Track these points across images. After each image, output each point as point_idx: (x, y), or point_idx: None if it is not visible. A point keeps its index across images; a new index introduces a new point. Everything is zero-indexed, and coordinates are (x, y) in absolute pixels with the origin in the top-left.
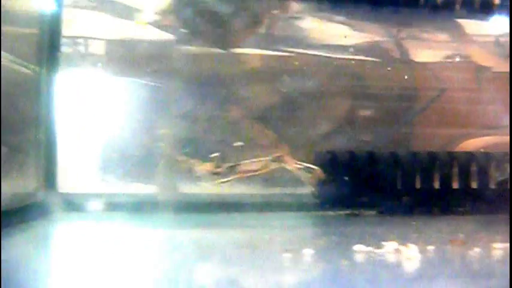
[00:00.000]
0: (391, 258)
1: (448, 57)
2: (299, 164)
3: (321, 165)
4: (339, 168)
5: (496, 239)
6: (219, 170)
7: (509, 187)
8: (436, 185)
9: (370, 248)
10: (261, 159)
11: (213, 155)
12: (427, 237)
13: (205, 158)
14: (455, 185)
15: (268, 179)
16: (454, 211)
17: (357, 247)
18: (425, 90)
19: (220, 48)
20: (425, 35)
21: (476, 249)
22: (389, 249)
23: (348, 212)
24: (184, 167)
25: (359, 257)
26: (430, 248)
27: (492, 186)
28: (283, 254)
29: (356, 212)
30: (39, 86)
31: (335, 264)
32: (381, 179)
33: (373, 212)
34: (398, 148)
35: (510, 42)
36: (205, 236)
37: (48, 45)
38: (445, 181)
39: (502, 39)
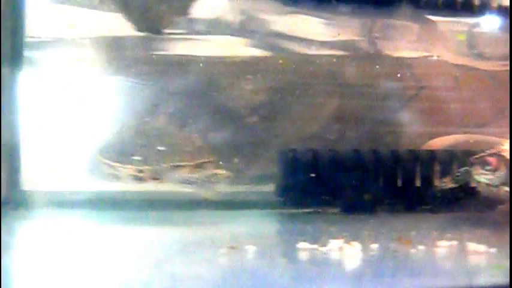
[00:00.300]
0: (332, 256)
1: (420, 54)
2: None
3: (283, 164)
4: (301, 166)
5: (446, 237)
6: (141, 174)
7: (509, 187)
8: (399, 183)
9: (314, 246)
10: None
11: (135, 158)
12: (378, 235)
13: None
14: (418, 183)
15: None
16: (417, 209)
17: (301, 245)
18: (396, 87)
19: (152, 32)
20: (399, 33)
21: (421, 248)
22: (333, 247)
23: (310, 210)
24: (107, 169)
25: (300, 255)
26: (374, 246)
27: (454, 184)
28: (221, 250)
29: (319, 210)
30: (2, 85)
31: (270, 261)
32: (344, 177)
33: (335, 210)
34: (364, 146)
35: (510, 42)
36: (156, 233)
37: (10, 44)
38: (408, 179)
39: (475, 38)
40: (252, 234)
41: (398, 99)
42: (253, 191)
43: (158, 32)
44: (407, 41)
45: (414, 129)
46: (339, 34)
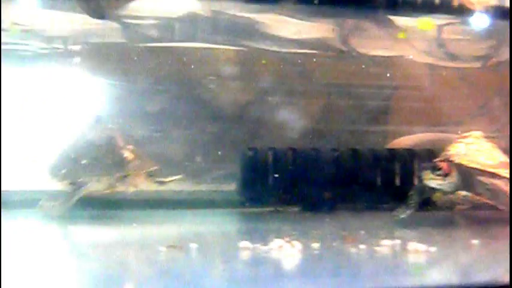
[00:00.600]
0: (271, 254)
1: (389, 54)
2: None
3: (243, 162)
4: (261, 165)
5: (394, 236)
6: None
7: (509, 188)
8: (360, 182)
9: (256, 245)
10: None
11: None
12: (325, 234)
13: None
14: (379, 182)
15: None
16: (377, 208)
17: (243, 243)
18: (364, 86)
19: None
20: (369, 32)
21: (362, 247)
22: (274, 246)
23: (271, 208)
24: None
25: (240, 253)
26: (316, 245)
27: (408, 210)
28: (160, 247)
29: (280, 208)
30: None
31: (204, 259)
32: (304, 175)
33: (296, 209)
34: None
35: (510, 42)
36: (102, 232)
37: None
38: (369, 178)
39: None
40: (200, 232)
41: (365, 98)
42: (215, 190)
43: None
44: (377, 41)
45: (380, 128)
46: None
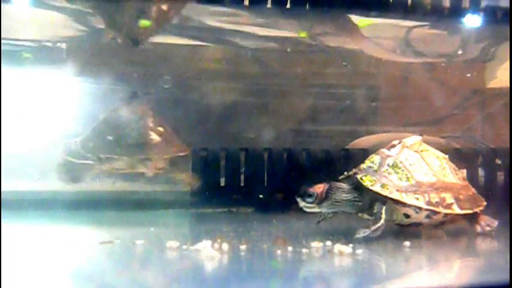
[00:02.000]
0: (191, 255)
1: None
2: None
3: (195, 163)
4: (213, 165)
5: (326, 238)
6: None
7: (510, 189)
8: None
9: (183, 246)
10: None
11: None
12: (261, 236)
13: None
14: None
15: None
16: None
17: (170, 243)
18: (328, 85)
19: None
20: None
21: (289, 248)
22: (199, 247)
23: (225, 209)
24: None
25: (163, 253)
26: (243, 246)
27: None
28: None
29: (233, 209)
30: None
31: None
32: (257, 176)
33: (250, 210)
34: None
35: (510, 41)
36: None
37: None
38: (323, 179)
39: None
40: (140, 233)
41: (330, 97)
42: (170, 190)
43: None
44: (343, 40)
45: (343, 128)
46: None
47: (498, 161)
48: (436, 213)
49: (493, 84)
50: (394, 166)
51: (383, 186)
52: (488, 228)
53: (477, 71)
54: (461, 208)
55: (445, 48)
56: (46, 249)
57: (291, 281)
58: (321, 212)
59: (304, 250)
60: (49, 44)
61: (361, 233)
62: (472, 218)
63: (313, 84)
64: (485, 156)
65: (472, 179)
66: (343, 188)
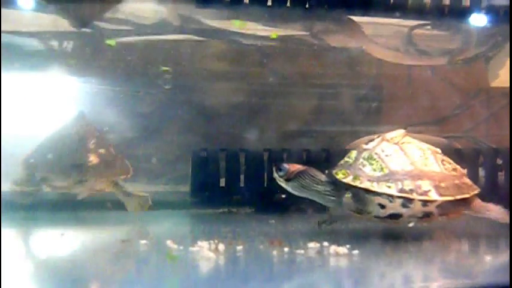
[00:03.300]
0: (193, 256)
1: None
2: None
3: (195, 163)
4: (213, 166)
5: (323, 239)
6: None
7: (510, 187)
8: None
9: (181, 247)
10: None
11: None
12: (258, 236)
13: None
14: None
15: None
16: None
17: (169, 244)
18: (331, 85)
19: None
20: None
21: (285, 249)
22: (197, 247)
23: (224, 210)
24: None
25: (165, 253)
26: (240, 247)
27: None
28: None
29: (233, 210)
30: None
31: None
32: (256, 176)
33: (250, 210)
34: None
35: (510, 41)
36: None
37: None
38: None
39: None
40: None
41: (332, 97)
42: (171, 191)
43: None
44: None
45: (344, 128)
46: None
47: (499, 161)
48: (412, 201)
49: (496, 83)
50: (369, 158)
51: (355, 177)
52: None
53: (480, 70)
54: (440, 195)
55: (447, 47)
56: (48, 252)
57: (282, 281)
58: (290, 195)
59: (299, 251)
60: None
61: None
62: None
63: (314, 84)
64: (486, 156)
65: (473, 178)
66: (317, 177)
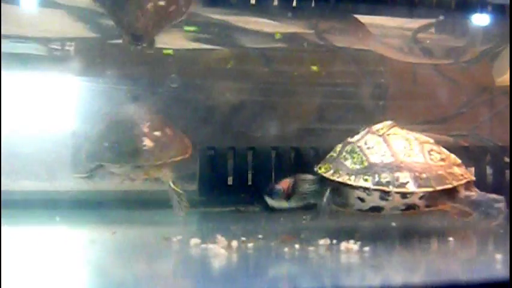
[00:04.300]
0: (203, 253)
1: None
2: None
3: (203, 162)
4: (221, 164)
5: (338, 235)
6: None
7: (510, 185)
8: None
9: (191, 244)
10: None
11: None
12: (266, 234)
13: None
14: None
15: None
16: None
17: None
18: (336, 83)
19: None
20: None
21: (296, 246)
22: (208, 245)
23: (232, 208)
24: None
25: (175, 251)
26: (250, 244)
27: None
28: None
29: (241, 208)
30: None
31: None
32: (264, 175)
33: (257, 208)
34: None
35: (510, 41)
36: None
37: None
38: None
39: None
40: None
41: (337, 95)
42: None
43: None
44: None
45: (350, 126)
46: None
47: (506, 159)
48: (388, 193)
49: (502, 81)
50: (351, 151)
51: (335, 171)
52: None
53: (485, 68)
54: (419, 186)
55: (452, 48)
56: (52, 249)
57: (294, 278)
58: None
59: (310, 248)
60: (56, 43)
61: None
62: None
63: (320, 82)
64: (493, 154)
65: (479, 177)
66: (308, 179)
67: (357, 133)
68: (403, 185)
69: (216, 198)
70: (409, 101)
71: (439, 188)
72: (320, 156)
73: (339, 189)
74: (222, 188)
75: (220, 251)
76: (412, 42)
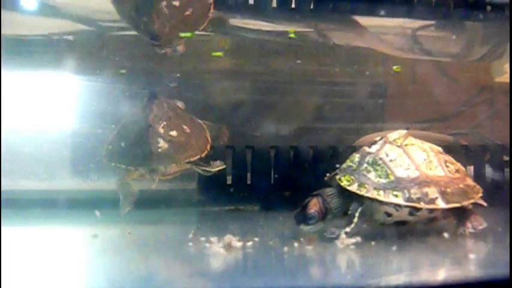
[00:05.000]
0: (203, 252)
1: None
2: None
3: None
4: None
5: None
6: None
7: (510, 185)
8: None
9: (190, 243)
10: None
11: None
12: (267, 233)
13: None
14: None
15: None
16: None
17: (178, 240)
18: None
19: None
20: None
21: (295, 244)
22: (207, 243)
23: (231, 207)
24: None
25: (174, 249)
26: (250, 243)
27: None
28: None
29: (241, 207)
30: None
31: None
32: (263, 174)
33: (256, 208)
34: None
35: (510, 41)
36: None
37: None
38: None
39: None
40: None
41: (337, 94)
42: (176, 189)
43: None
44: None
45: (350, 125)
46: None
47: (506, 158)
48: (419, 209)
49: (501, 79)
50: (374, 163)
51: (360, 185)
52: (471, 231)
53: (484, 66)
54: (447, 202)
55: (452, 44)
56: (51, 249)
57: (295, 276)
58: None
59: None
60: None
61: (329, 234)
62: (463, 213)
63: (318, 81)
64: (492, 152)
65: (479, 175)
66: (333, 193)
67: (374, 143)
68: (432, 201)
69: (214, 197)
70: (409, 100)
71: (465, 202)
72: (319, 155)
73: (364, 203)
74: (220, 187)
75: (220, 250)
76: (412, 41)
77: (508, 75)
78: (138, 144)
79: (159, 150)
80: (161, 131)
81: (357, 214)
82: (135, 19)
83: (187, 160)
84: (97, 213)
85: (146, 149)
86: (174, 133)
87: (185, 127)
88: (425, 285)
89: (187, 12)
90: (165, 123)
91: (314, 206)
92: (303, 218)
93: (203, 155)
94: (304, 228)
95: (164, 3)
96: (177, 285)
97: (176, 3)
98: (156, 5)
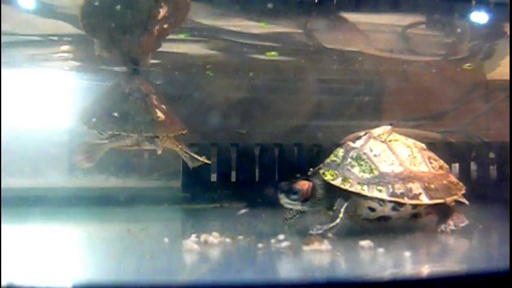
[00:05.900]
0: (183, 249)
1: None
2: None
3: None
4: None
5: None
6: None
7: (509, 185)
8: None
9: (172, 241)
10: None
11: None
12: (246, 230)
13: None
14: None
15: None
16: None
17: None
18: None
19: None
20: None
21: (272, 241)
22: (188, 241)
23: (216, 205)
24: None
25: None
26: (228, 240)
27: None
28: None
29: (226, 204)
30: None
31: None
32: (248, 171)
33: (241, 205)
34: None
35: (510, 40)
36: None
37: None
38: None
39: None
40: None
41: (327, 92)
42: (161, 186)
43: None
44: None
45: (338, 123)
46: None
47: (491, 155)
48: (402, 205)
49: (492, 76)
50: (358, 158)
51: (344, 179)
52: (452, 228)
53: (476, 63)
54: (431, 198)
55: (443, 42)
56: (44, 246)
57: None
58: (291, 210)
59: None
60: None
61: (315, 230)
62: (446, 210)
63: (308, 80)
64: (478, 150)
65: (464, 172)
66: (321, 184)
67: (358, 138)
68: (416, 196)
69: (199, 194)
70: (399, 98)
71: (448, 199)
72: (304, 152)
73: (350, 199)
74: (205, 184)
75: (198, 248)
76: (402, 39)
77: (499, 72)
78: (137, 113)
79: (159, 119)
80: (156, 102)
81: (342, 210)
82: (118, 47)
83: (179, 132)
84: None
85: (147, 117)
86: (163, 107)
87: (166, 105)
88: (404, 280)
89: (165, 26)
90: (155, 96)
91: (303, 185)
92: (288, 189)
93: (185, 131)
94: (282, 200)
95: (152, 30)
96: (135, 278)
97: (165, 26)
98: (137, 35)
